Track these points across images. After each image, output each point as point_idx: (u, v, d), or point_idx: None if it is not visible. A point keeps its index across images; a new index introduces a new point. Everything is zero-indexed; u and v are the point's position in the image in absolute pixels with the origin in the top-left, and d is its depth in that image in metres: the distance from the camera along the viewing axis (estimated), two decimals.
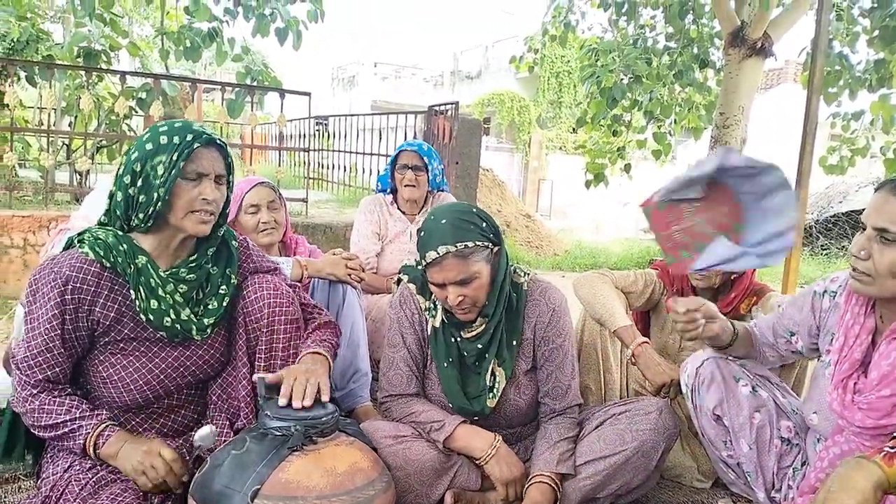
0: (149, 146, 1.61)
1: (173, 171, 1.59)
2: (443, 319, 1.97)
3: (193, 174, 1.63)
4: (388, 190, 3.34)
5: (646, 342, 2.20)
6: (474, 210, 1.89)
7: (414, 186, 3.19)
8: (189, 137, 1.61)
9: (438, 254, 1.79)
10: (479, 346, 1.95)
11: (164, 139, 1.60)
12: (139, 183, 1.61)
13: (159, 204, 1.60)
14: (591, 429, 1.97)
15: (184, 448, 1.71)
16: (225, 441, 1.72)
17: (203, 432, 1.60)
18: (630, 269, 2.61)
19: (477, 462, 1.91)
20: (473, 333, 1.95)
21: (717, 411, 1.86)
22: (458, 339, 1.97)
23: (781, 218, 1.67)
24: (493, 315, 1.92)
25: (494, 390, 1.95)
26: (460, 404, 1.94)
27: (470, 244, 1.80)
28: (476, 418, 1.97)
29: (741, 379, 1.87)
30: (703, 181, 1.71)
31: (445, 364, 1.96)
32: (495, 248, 1.89)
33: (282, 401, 1.58)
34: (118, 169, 1.66)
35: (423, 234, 1.85)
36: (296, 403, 1.58)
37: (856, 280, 1.60)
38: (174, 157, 1.59)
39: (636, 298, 2.49)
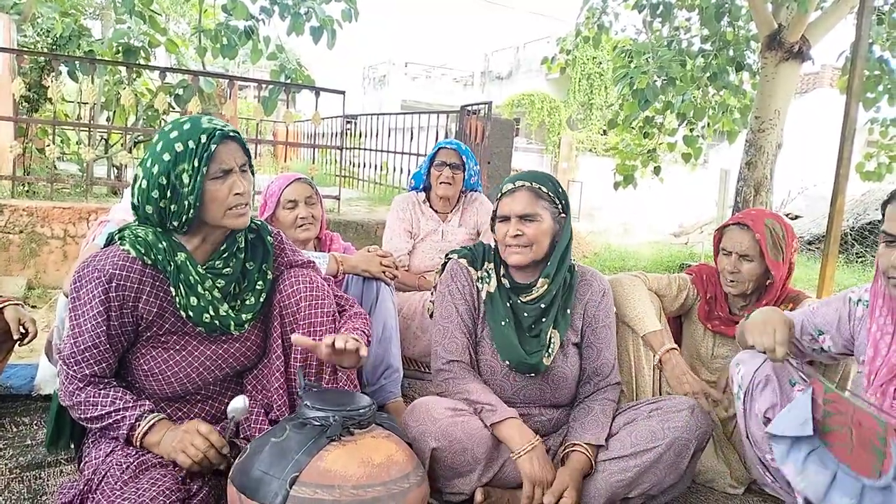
0: (167, 157, 1.61)
1: (199, 177, 1.60)
2: (498, 284, 2.05)
3: (219, 172, 1.64)
4: (421, 187, 3.37)
5: (674, 349, 2.18)
6: (554, 177, 2.07)
7: (450, 184, 3.22)
8: (204, 139, 1.61)
9: (514, 185, 1.99)
10: (542, 306, 2.02)
11: (179, 146, 1.60)
12: (168, 194, 1.62)
13: (192, 211, 1.63)
14: (622, 424, 1.98)
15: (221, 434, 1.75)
16: (259, 429, 1.76)
17: (236, 404, 1.63)
18: (661, 273, 2.59)
19: (512, 455, 1.91)
20: (532, 297, 2.02)
21: (768, 414, 1.83)
22: (517, 302, 2.03)
23: None
24: (555, 277, 2.01)
25: (550, 349, 2.00)
26: (518, 358, 1.97)
27: (544, 189, 1.98)
28: (532, 374, 2.01)
29: (797, 383, 1.84)
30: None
31: (503, 323, 2.00)
32: (562, 214, 2.01)
33: (324, 348, 1.65)
34: (138, 182, 1.65)
35: (504, 180, 2.05)
36: (339, 343, 1.63)
37: None
38: (196, 164, 1.60)
39: (670, 302, 2.47)
